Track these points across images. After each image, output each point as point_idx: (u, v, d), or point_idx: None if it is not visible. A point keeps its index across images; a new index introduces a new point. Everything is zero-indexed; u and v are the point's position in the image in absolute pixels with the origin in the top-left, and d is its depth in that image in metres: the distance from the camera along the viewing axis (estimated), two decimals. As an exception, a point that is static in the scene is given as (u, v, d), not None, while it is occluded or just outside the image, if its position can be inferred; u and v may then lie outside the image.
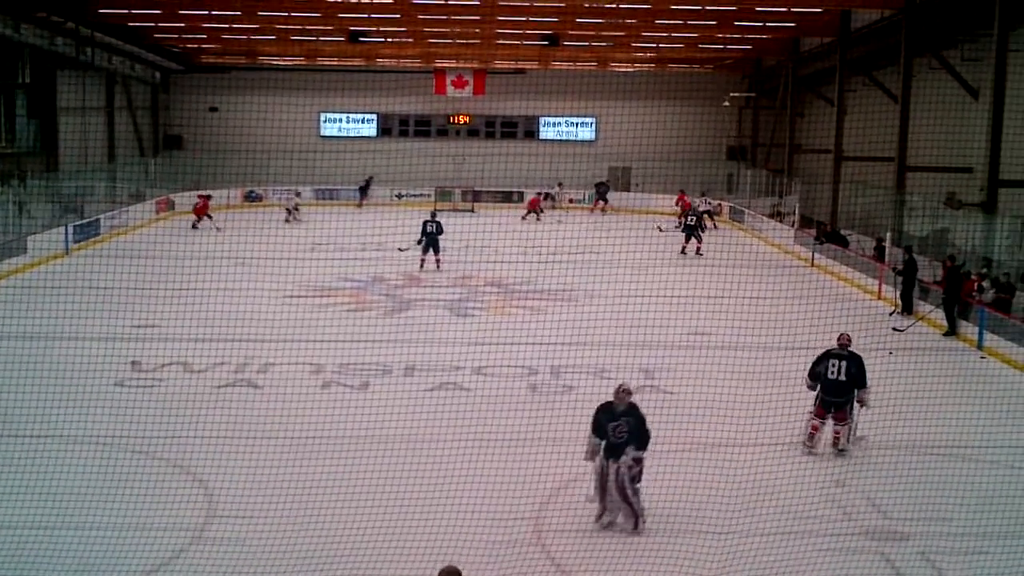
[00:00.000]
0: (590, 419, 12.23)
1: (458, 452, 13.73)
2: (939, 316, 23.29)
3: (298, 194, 43.37)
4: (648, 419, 12.30)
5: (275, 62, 49.76)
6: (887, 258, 28.34)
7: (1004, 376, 19.69)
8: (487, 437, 14.54)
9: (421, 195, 48.28)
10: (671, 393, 17.66)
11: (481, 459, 13.53)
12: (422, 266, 30.02)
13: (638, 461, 11.92)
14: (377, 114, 51.95)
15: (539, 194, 46.34)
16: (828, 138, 37.32)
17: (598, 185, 48.69)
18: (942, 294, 23.38)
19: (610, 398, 12.47)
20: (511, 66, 49.90)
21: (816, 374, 14.88)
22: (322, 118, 51.67)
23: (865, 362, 14.75)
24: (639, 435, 12.03)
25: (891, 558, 11.47)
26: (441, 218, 31.19)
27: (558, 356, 19.61)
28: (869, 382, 14.57)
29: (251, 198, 47.89)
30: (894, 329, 22.71)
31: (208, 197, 40.45)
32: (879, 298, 26.82)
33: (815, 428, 14.67)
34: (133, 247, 30.51)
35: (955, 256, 24.02)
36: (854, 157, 35.47)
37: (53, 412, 14.41)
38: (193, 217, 39.40)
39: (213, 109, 47.41)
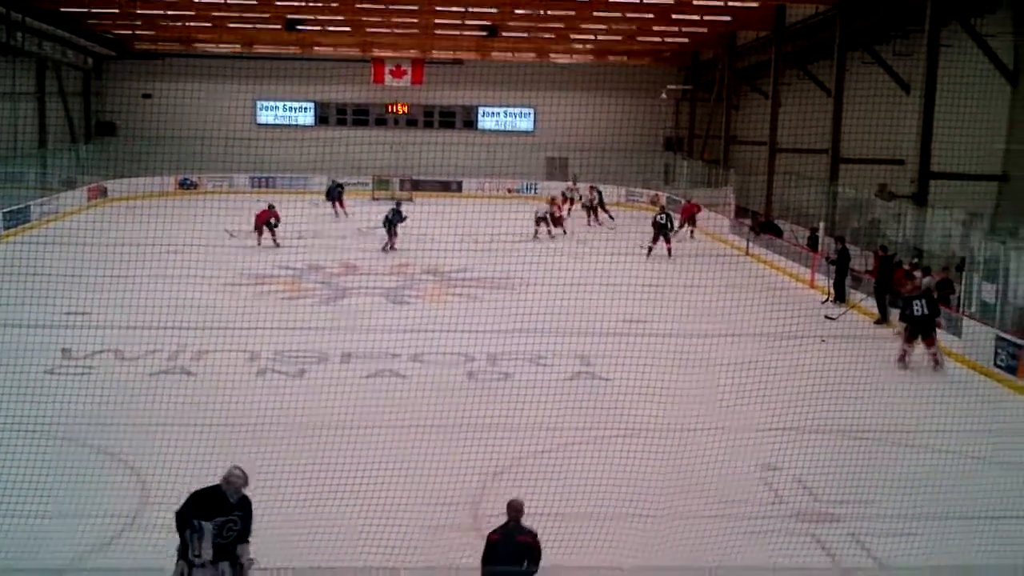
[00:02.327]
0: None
1: (395, 439, 13.76)
2: (870, 304, 23.64)
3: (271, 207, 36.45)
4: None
5: (210, 49, 49.19)
6: (820, 248, 28.71)
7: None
8: (424, 424, 14.58)
9: (359, 183, 47.97)
10: (607, 379, 17.77)
11: (418, 445, 13.56)
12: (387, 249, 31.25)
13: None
14: (314, 102, 51.61)
15: (559, 199, 40.08)
16: (763, 130, 37.69)
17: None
18: (874, 283, 23.74)
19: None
20: (450, 56, 49.78)
21: (906, 315, 19.46)
22: (259, 106, 51.21)
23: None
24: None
25: (822, 539, 11.66)
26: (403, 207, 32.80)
27: (495, 343, 19.64)
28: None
29: (185, 185, 47.36)
30: (827, 317, 23.03)
31: (271, 207, 32.38)
32: (812, 287, 27.17)
33: (905, 352, 19.34)
34: (64, 234, 29.97)
35: (887, 246, 24.38)
36: (788, 149, 35.85)
37: (-20, 400, 14.18)
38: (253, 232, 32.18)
39: (147, 96, 46.78)
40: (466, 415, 14.95)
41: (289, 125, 51.36)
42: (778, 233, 33.40)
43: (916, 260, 24.67)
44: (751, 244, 33.58)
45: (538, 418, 14.92)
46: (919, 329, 19.40)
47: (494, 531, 9.28)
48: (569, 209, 40.75)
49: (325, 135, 49.08)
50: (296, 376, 17.82)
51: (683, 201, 40.11)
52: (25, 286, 20.50)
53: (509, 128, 52.49)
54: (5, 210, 32.97)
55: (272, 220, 31.76)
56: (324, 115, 52.17)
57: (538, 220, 35.70)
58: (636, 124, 46.38)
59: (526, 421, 14.85)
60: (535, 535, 9.16)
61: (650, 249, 32.16)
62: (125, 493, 12.32)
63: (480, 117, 52.67)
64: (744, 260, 32.50)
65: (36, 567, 9.22)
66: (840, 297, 25.00)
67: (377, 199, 45.97)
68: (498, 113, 52.61)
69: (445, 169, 48.02)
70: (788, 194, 35.44)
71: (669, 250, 32.07)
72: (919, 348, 19.44)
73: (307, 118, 52.13)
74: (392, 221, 31.85)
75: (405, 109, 51.98)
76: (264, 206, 32.24)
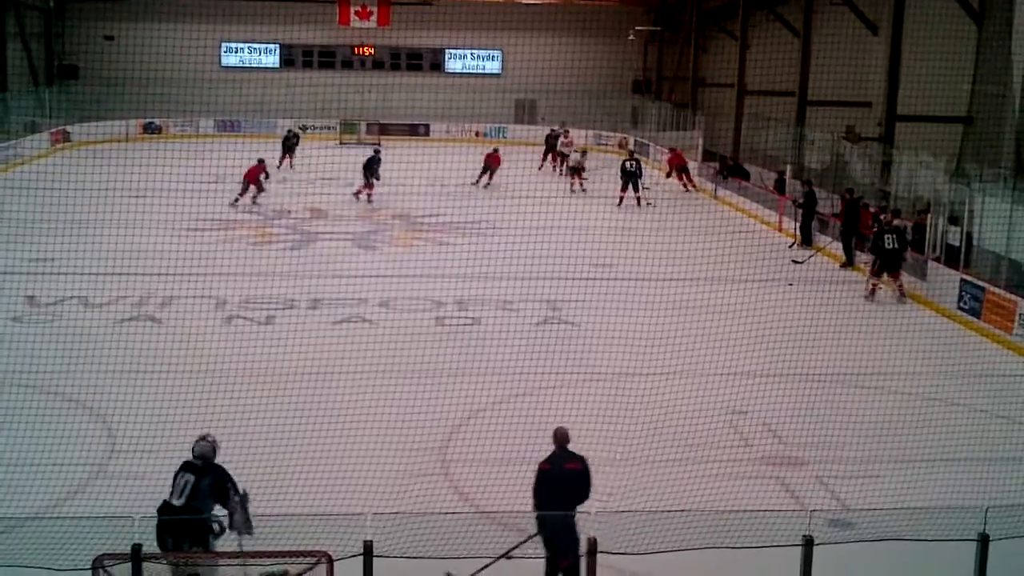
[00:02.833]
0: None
1: (364, 384, 13.73)
2: (837, 248, 23.77)
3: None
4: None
5: (173, -11, 48.40)
6: (787, 191, 28.78)
7: (897, 305, 20.20)
8: (393, 370, 14.59)
9: (326, 127, 47.62)
10: (574, 324, 17.84)
11: (387, 392, 13.59)
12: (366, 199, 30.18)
13: None
14: (279, 44, 50.93)
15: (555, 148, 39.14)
16: (731, 72, 37.59)
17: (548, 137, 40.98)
18: (840, 226, 23.85)
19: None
20: (416, -3, 49.29)
21: (877, 247, 20.27)
22: (223, 48, 50.52)
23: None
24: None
25: (788, 483, 11.81)
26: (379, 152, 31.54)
27: (463, 289, 19.65)
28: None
29: (150, 130, 46.81)
30: (793, 261, 23.13)
31: (261, 162, 30.28)
32: (779, 230, 27.28)
33: (876, 286, 20.47)
34: (27, 179, 29.62)
35: (853, 189, 24.48)
36: (756, 92, 35.81)
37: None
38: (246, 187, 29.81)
39: (108, 38, 46.02)
40: (434, 361, 15.01)
41: (254, 68, 50.72)
42: (745, 176, 33.45)
43: (884, 204, 24.80)
44: (718, 187, 33.62)
45: (506, 363, 14.98)
46: (888, 263, 20.37)
47: (544, 461, 9.34)
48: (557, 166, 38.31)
49: (290, 77, 48.58)
50: (264, 323, 17.78)
51: (666, 151, 38.76)
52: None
53: (476, 71, 52.07)
54: (-34, 155, 32.55)
55: (263, 175, 30.07)
56: (289, 57, 51.52)
57: (573, 171, 34.46)
58: (604, 66, 46.18)
59: (494, 367, 14.93)
60: (584, 460, 9.23)
61: (621, 199, 30.99)
62: (93, 441, 12.30)
63: (447, 60, 52.23)
64: (711, 203, 32.57)
65: (3, 515, 9.19)
66: (807, 240, 25.12)
67: (344, 143, 45.70)
68: (465, 56, 52.17)
69: (412, 112, 47.71)
70: (756, 137, 35.48)
71: (638, 199, 30.97)
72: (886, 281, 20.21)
73: (272, 60, 51.51)
74: (371, 168, 30.33)
75: (371, 51, 51.44)
76: (254, 161, 29.93)
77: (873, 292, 20.66)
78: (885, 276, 20.58)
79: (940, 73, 25.14)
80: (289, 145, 37.51)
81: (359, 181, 30.36)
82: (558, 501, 9.05)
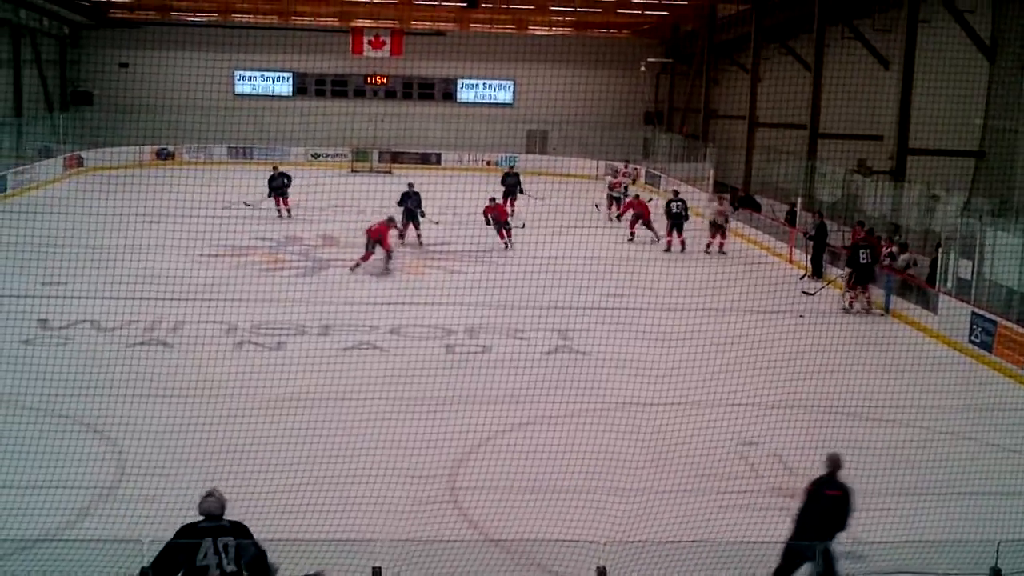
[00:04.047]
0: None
1: (374, 411, 13.76)
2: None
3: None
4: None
5: (188, 18, 48.78)
6: (798, 223, 28.77)
7: (909, 338, 20.16)
8: (403, 397, 14.59)
9: (338, 155, 47.82)
10: (585, 353, 17.81)
11: (396, 418, 13.59)
12: (402, 237, 27.43)
13: None
14: (293, 73, 51.21)
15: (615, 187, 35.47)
16: (743, 104, 37.66)
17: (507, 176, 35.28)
18: (848, 259, 23.81)
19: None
20: (429, 27, 49.53)
21: (852, 260, 21.75)
22: (236, 76, 50.79)
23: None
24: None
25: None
26: (414, 186, 28.24)
27: (474, 317, 19.64)
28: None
29: (162, 156, 47.02)
30: (804, 292, 23.09)
31: (391, 220, 25.42)
32: (790, 262, 27.25)
33: (853, 298, 21.73)
34: (41, 203, 29.81)
35: (863, 222, 24.46)
36: (768, 124, 35.86)
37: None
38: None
39: (123, 65, 46.36)
40: (444, 388, 15.00)
41: (267, 96, 50.99)
42: (756, 208, 33.45)
43: (896, 236, 24.80)
44: (730, 219, 33.61)
45: (516, 392, 14.95)
46: (863, 276, 21.77)
47: (811, 482, 9.47)
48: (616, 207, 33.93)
49: (303, 105, 48.79)
50: (274, 348, 17.79)
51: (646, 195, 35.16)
52: (1, 255, 20.40)
53: (488, 100, 52.27)
54: (-20, 179, 32.71)
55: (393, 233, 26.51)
56: (302, 85, 51.77)
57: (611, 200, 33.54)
58: (616, 97, 46.26)
59: (504, 394, 14.89)
60: (846, 490, 9.25)
61: (669, 244, 28.26)
62: (102, 464, 12.29)
63: (459, 89, 52.42)
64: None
65: (12, 538, 9.19)
66: (818, 272, 25.08)
67: (356, 171, 45.83)
68: (477, 85, 52.37)
69: (424, 141, 47.84)
70: (767, 169, 35.50)
71: (683, 243, 28.35)
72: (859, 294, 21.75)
73: (285, 88, 51.76)
74: (409, 205, 27.84)
75: (384, 80, 51.68)
76: (379, 219, 25.38)
77: (851, 305, 21.93)
78: (859, 289, 21.84)
79: (952, 107, 25.17)
80: (276, 186, 31.94)
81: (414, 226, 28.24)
82: (815, 527, 9.12)
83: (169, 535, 8.30)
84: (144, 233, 24.35)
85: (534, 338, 18.67)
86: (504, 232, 27.49)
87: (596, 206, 31.31)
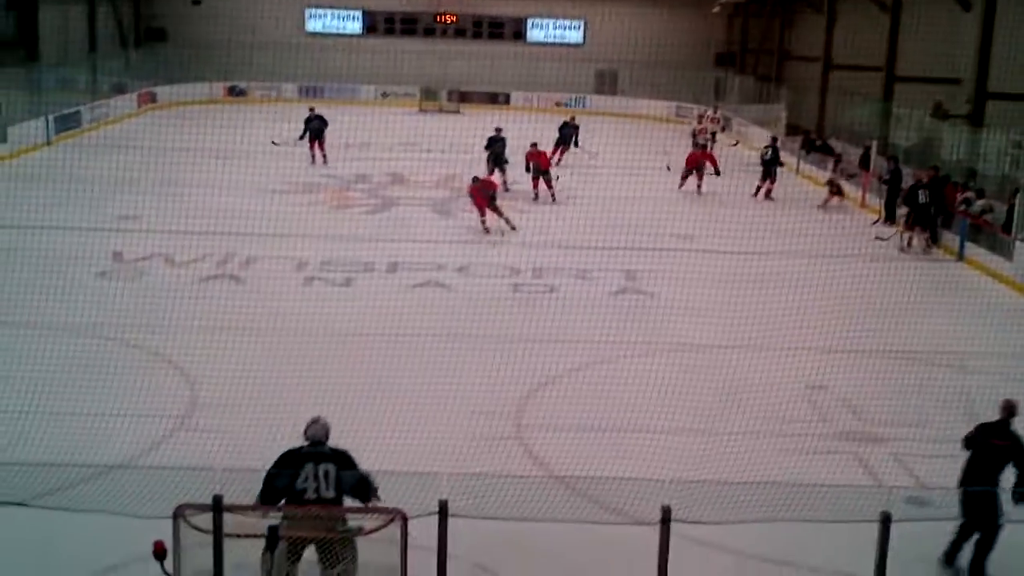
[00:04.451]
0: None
1: (440, 348, 13.85)
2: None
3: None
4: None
5: (260, -45, 48.80)
6: (872, 167, 28.30)
7: (982, 285, 19.85)
8: (469, 334, 14.65)
9: (407, 94, 47.78)
10: (651, 294, 17.75)
11: (463, 356, 13.65)
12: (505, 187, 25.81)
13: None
14: (363, 10, 51.10)
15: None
16: (817, 46, 36.97)
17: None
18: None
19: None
20: (500, -35, 49.14)
21: (911, 200, 21.93)
22: (307, 13, 50.81)
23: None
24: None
25: (865, 460, 11.67)
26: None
27: (541, 257, 19.62)
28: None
29: (235, 93, 47.30)
30: (877, 238, 22.77)
31: (479, 182, 22.88)
32: (863, 207, 26.84)
33: (910, 238, 22.04)
34: (115, 139, 30.20)
35: (939, 167, 24.01)
36: (843, 66, 35.18)
37: (36, 300, 14.40)
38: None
39: (196, 2, 46.51)
40: (510, 327, 15.04)
41: (337, 34, 50.96)
42: (830, 152, 32.91)
43: (971, 183, 24.33)
44: (801, 162, 33.15)
45: (582, 332, 14.99)
46: (920, 217, 21.95)
47: (976, 428, 9.32)
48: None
49: (373, 43, 48.75)
50: (343, 285, 17.94)
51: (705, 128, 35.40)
52: (77, 190, 20.74)
53: (558, 40, 51.77)
54: (56, 115, 33.12)
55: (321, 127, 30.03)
56: (372, 24, 51.63)
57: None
58: (687, 39, 45.59)
59: (570, 334, 14.93)
60: (1017, 440, 9.07)
61: (758, 189, 27.64)
62: (175, 395, 12.54)
63: (529, 28, 51.95)
64: (793, 178, 32.10)
65: (88, 463, 9.40)
66: (891, 217, 24.68)
67: (424, 110, 45.80)
68: (547, 24, 51.87)
69: (493, 81, 47.59)
70: (841, 112, 34.88)
71: (769, 191, 27.65)
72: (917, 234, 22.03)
73: (355, 26, 51.65)
74: (497, 150, 27.04)
75: (454, 19, 51.39)
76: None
77: (909, 244, 22.20)
78: (917, 229, 22.07)
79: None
80: (313, 129, 30.65)
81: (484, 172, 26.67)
82: (980, 474, 9.05)
83: (240, 464, 8.48)
84: (215, 169, 24.58)
85: (600, 279, 18.64)
86: (543, 181, 25.66)
87: (668, 167, 27.84)
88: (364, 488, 8.08)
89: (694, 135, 33.62)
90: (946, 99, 28.75)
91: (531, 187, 25.88)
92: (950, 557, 9.31)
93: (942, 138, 28.01)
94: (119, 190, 22.67)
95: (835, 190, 27.13)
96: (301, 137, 30.37)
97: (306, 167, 28.80)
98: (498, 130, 27.68)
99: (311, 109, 31.56)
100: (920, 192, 21.92)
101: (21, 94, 32.46)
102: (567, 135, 31.92)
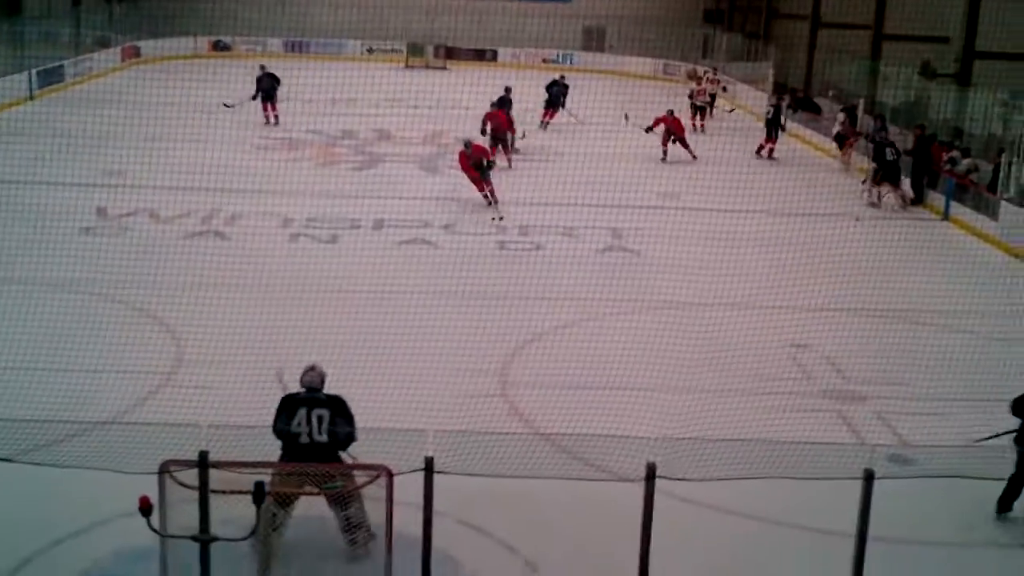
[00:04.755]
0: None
1: (426, 306, 13.86)
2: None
3: None
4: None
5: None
6: (859, 126, 28.28)
7: (967, 244, 19.93)
8: (455, 292, 14.65)
9: (393, 50, 47.47)
10: (637, 253, 17.77)
11: (449, 313, 13.67)
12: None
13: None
14: (349, -35, 50.64)
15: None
16: (805, 4, 36.85)
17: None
18: (910, 163, 23.45)
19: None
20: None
21: (878, 157, 22.46)
22: (292, -33, 50.31)
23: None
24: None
25: (848, 418, 11.76)
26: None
27: (527, 215, 19.60)
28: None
29: (219, 47, 46.92)
30: (870, 203, 22.69)
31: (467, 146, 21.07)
32: (848, 165, 26.82)
33: (879, 194, 22.50)
34: (99, 94, 29.93)
35: (925, 125, 24.01)
36: (831, 24, 35.09)
37: (18, 256, 14.35)
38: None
39: (180, -45, 46.06)
40: (496, 285, 15.04)
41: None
42: (816, 110, 32.87)
43: (957, 142, 24.34)
44: (788, 121, 33.07)
45: (568, 289, 15.00)
46: (888, 173, 22.46)
47: None
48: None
49: (358, -1, 48.35)
50: (329, 242, 17.91)
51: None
52: (60, 145, 20.60)
53: (545, -5, 51.38)
54: (39, 69, 32.84)
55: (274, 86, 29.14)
56: (358, -23, 51.16)
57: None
58: (676, -5, 45.41)
59: (555, 292, 14.94)
60: None
61: (760, 147, 27.78)
62: (161, 351, 12.54)
63: (516, -17, 51.52)
64: (780, 136, 32.05)
65: (74, 420, 9.41)
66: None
67: (411, 67, 45.52)
68: (535, -22, 51.45)
69: (480, 37, 47.25)
70: (829, 70, 34.80)
71: (771, 150, 27.68)
72: (886, 191, 22.48)
73: (341, -20, 51.16)
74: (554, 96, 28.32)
75: (440, -27, 50.91)
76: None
77: (879, 199, 22.60)
78: (886, 186, 22.55)
79: (1021, 11, 24.48)
80: (264, 88, 29.48)
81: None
82: None
83: (226, 420, 8.51)
84: (200, 124, 24.41)
85: (586, 237, 18.64)
86: (500, 148, 23.97)
87: (625, 116, 26.18)
88: (347, 442, 8.47)
89: (692, 96, 32.41)
90: (934, 58, 28.74)
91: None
92: (1004, 504, 9.61)
93: (929, 97, 27.99)
94: (103, 145, 22.49)
95: (851, 140, 26.96)
96: (253, 97, 29.19)
97: (291, 121, 28.59)
98: (507, 90, 27.09)
99: (262, 67, 30.26)
100: (887, 149, 22.50)
101: (4, 48, 32.20)
102: (556, 95, 30.86)
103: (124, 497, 7.26)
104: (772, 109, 28.27)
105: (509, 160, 24.20)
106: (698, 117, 31.34)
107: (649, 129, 26.43)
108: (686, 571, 8.53)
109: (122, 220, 18.38)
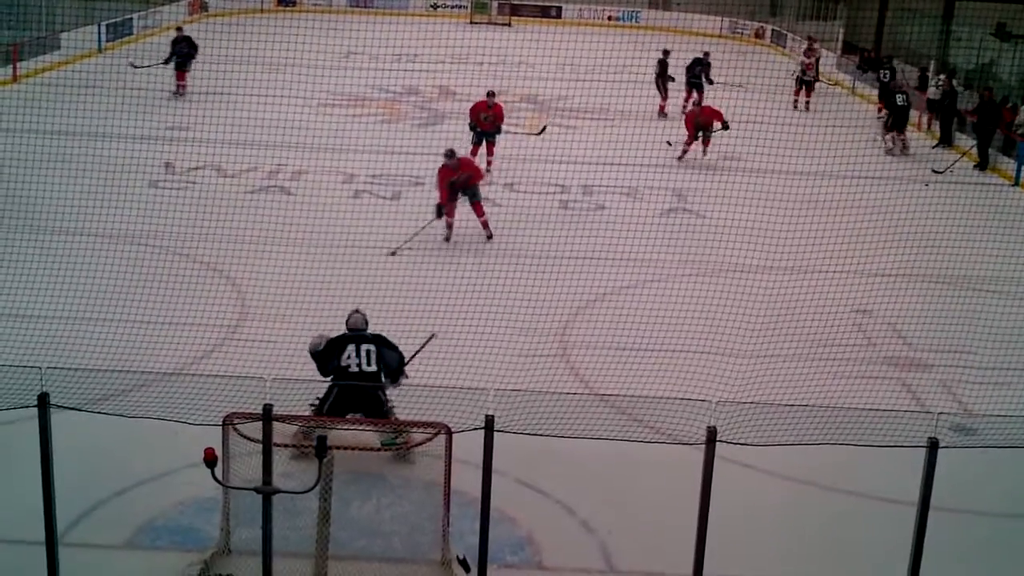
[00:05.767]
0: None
1: (487, 264, 13.86)
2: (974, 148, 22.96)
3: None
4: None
5: None
6: (928, 88, 27.77)
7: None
8: (516, 251, 14.68)
9: (457, 6, 47.30)
10: (702, 216, 17.65)
11: (510, 273, 13.65)
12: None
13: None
14: (414, -80, 50.42)
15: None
16: (878, -38, 36.17)
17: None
18: (974, 125, 23.01)
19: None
20: None
21: (890, 104, 23.59)
22: (359, -78, 50.19)
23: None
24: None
25: (911, 386, 11.65)
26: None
27: (590, 175, 19.50)
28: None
29: (285, 2, 47.03)
30: (934, 171, 22.26)
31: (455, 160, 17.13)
32: (919, 129, 26.38)
33: (893, 140, 23.38)
34: (166, 48, 30.12)
35: (992, 88, 23.49)
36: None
37: (88, 208, 14.52)
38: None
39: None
40: (557, 245, 15.02)
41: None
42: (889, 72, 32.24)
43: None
44: (857, 82, 32.57)
45: (631, 251, 14.93)
46: (898, 120, 23.42)
47: None
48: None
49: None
50: (391, 199, 17.97)
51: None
52: (128, 99, 20.79)
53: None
54: (107, 22, 33.13)
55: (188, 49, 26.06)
56: (424, -66, 50.96)
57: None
58: (744, -49, 44.68)
59: (617, 253, 14.88)
60: None
61: (887, 141, 24.31)
62: (226, 305, 12.69)
63: (583, -60, 51.08)
64: (849, 98, 31.59)
65: (140, 369, 9.56)
66: (946, 140, 24.27)
67: (475, 23, 45.31)
68: (601, -64, 50.95)
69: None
70: (900, 30, 34.16)
71: (904, 143, 24.31)
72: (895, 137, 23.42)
73: (406, -64, 51.00)
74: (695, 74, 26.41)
75: (507, -71, 50.54)
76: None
77: (895, 145, 23.56)
78: (895, 132, 23.51)
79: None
80: (177, 53, 26.56)
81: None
82: None
83: (289, 374, 8.63)
84: (266, 80, 24.52)
85: (649, 198, 18.53)
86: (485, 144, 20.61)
87: (668, 143, 22.16)
88: (399, 370, 9.56)
89: (803, 70, 29.18)
90: (1010, 19, 28.07)
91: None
92: None
93: (1001, 60, 27.39)
94: (170, 100, 22.73)
95: (800, 85, 28.30)
96: (166, 61, 26.45)
97: (355, 79, 28.61)
98: (666, 52, 26.05)
99: (179, 30, 27.42)
100: (898, 95, 23.49)
101: (74, 1, 32.46)
102: (697, 74, 27.22)
103: (188, 448, 7.38)
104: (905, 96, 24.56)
105: (489, 162, 20.51)
106: (803, 92, 28.86)
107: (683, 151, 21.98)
108: (745, 537, 8.53)
109: (188, 175, 18.57)
